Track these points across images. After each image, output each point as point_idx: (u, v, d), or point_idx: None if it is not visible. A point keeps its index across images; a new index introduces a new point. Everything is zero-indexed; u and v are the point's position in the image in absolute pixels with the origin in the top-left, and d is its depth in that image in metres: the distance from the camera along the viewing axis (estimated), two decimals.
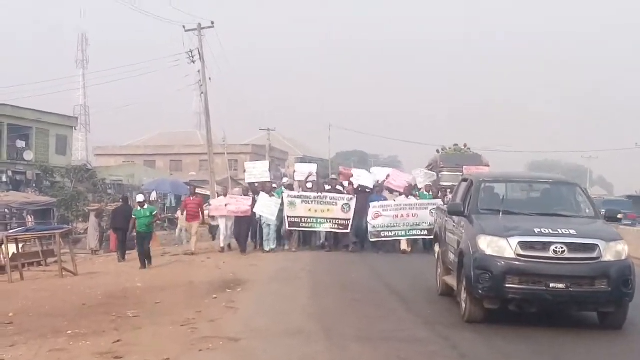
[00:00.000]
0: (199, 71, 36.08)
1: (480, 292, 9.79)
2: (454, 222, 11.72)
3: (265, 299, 12.93)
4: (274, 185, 22.49)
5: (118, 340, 9.59)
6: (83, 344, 9.61)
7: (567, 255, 9.59)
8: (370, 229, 20.36)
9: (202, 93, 36.42)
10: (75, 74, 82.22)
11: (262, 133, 68.05)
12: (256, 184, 22.04)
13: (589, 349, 9.11)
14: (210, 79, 36.12)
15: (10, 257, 18.56)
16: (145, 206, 20.18)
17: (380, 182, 21.83)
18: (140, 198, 20.62)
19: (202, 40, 35.79)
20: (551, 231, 9.79)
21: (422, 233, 20.17)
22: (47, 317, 11.79)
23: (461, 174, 23.08)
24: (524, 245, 9.69)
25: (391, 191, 22.25)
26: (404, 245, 20.58)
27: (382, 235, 20.34)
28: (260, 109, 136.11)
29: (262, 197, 20.79)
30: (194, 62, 35.77)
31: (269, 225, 20.77)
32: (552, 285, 9.51)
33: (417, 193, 21.69)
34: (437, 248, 13.44)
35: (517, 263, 9.65)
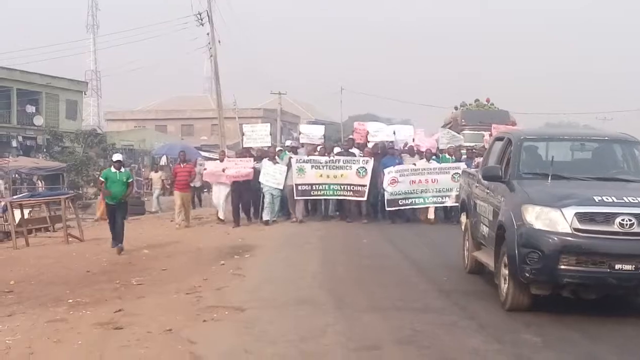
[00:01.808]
0: (208, 34, 35.54)
1: (527, 275, 8.12)
2: (487, 188, 9.99)
3: (273, 266, 12.53)
4: (279, 148, 21.09)
5: (120, 310, 9.23)
6: (83, 314, 9.27)
7: (636, 229, 7.86)
8: (387, 196, 18.28)
9: (211, 56, 35.91)
10: (86, 38, 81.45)
11: (273, 97, 67.34)
12: (255, 149, 20.25)
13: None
14: (219, 42, 35.65)
15: (17, 223, 18.25)
16: (122, 169, 15.77)
17: (406, 143, 20.04)
18: (117, 157, 16.10)
19: (211, 2, 35.18)
20: (615, 199, 8.06)
21: (443, 200, 18.34)
22: (49, 285, 11.48)
23: (487, 132, 21.34)
24: (582, 217, 7.97)
25: (412, 154, 19.57)
26: (430, 214, 18.62)
27: (400, 203, 18.37)
28: (272, 72, 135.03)
29: (266, 164, 18.68)
30: (202, 24, 35.22)
31: (271, 193, 18.60)
32: (617, 266, 7.82)
33: (439, 155, 19.62)
34: (464, 219, 11.78)
35: (573, 239, 7.94)
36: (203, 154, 43.09)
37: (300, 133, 22.11)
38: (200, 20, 34.98)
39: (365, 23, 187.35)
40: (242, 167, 18.84)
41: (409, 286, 10.36)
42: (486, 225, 9.91)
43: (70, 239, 17.14)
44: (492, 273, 9.46)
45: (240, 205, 19.13)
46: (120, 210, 15.39)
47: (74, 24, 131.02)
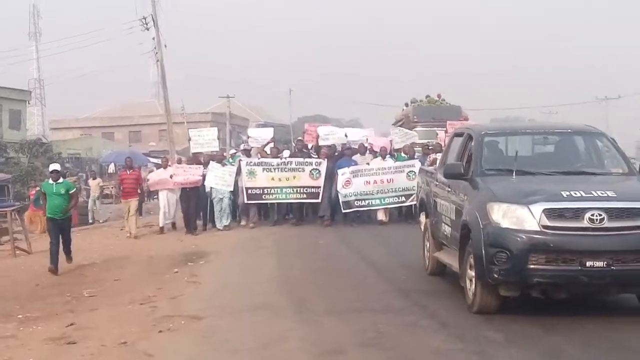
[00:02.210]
0: (153, 38, 35.05)
1: (495, 276, 7.74)
2: (448, 186, 9.58)
3: (229, 272, 12.34)
4: (231, 152, 20.42)
5: (72, 324, 8.99)
6: (34, 329, 9.03)
7: (606, 224, 7.56)
8: (341, 198, 17.75)
9: (157, 61, 35.42)
10: (28, 46, 79.88)
11: (221, 100, 66.81)
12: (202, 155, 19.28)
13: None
14: (165, 46, 35.12)
15: None
16: (61, 180, 14.18)
17: (359, 143, 19.36)
18: (53, 167, 14.57)
19: (156, 6, 34.70)
20: (583, 194, 7.78)
21: (400, 200, 17.86)
22: None
23: (440, 129, 21.35)
24: (550, 213, 7.64)
25: (363, 152, 18.94)
26: (380, 215, 18.25)
27: (355, 204, 17.90)
28: (219, 75, 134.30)
29: (213, 166, 18.00)
30: (147, 29, 34.73)
31: (221, 199, 18.01)
32: (588, 263, 7.50)
33: (395, 155, 19.17)
34: (423, 218, 11.35)
35: (542, 237, 7.60)
36: (152, 160, 42.55)
37: (248, 137, 21.29)
38: (145, 25, 34.48)
39: (310, 22, 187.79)
40: (190, 174, 18.28)
41: (367, 287, 10.24)
42: (448, 225, 9.55)
43: (17, 252, 16.64)
44: (455, 274, 9.25)
45: (188, 210, 18.49)
46: (63, 226, 13.95)
47: (15, 32, 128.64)
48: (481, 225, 7.97)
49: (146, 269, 13.21)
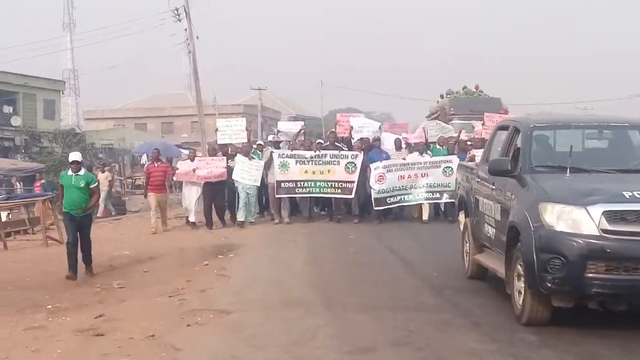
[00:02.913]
0: (185, 30, 35.05)
1: (548, 285, 7.03)
2: (492, 184, 8.86)
3: (259, 266, 12.21)
4: (259, 142, 19.79)
5: (101, 315, 8.93)
6: (63, 320, 8.98)
7: None
8: (373, 194, 16.94)
9: (189, 52, 35.39)
10: (63, 36, 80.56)
11: (253, 92, 66.90)
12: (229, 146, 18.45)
13: None
14: (197, 37, 35.07)
15: None
16: (82, 172, 12.40)
17: (395, 138, 18.68)
18: (73, 156, 12.63)
19: None
20: None
21: (434, 196, 17.12)
22: (28, 291, 11.09)
23: (478, 122, 20.38)
24: (611, 216, 6.92)
25: (399, 147, 18.42)
26: (417, 212, 17.53)
27: (388, 201, 17.13)
28: (252, 67, 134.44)
29: (240, 159, 17.21)
30: (180, 20, 34.72)
31: (247, 194, 17.18)
32: None
33: (431, 148, 18.22)
34: (462, 217, 10.69)
35: (602, 242, 6.88)
36: (184, 152, 42.63)
37: (278, 131, 20.59)
38: (177, 16, 34.47)
39: (344, 15, 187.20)
40: (214, 167, 17.56)
41: (400, 284, 10.06)
42: (492, 226, 8.89)
43: (49, 242, 16.71)
44: (495, 276, 8.83)
45: (213, 208, 17.82)
46: (82, 225, 12.22)
47: (50, 23, 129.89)
48: (532, 228, 7.27)
49: (176, 261, 13.13)
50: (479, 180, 9.71)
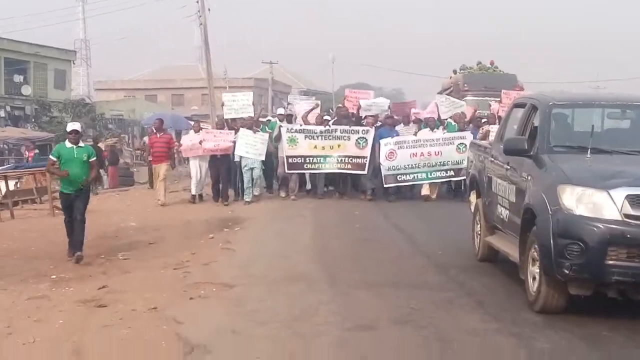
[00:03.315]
0: (197, 2, 34.90)
1: (566, 271, 6.69)
2: (507, 164, 8.52)
3: (264, 240, 12.17)
4: (268, 118, 19.34)
5: (104, 286, 8.93)
6: (66, 290, 8.97)
7: None
8: (383, 171, 16.56)
9: (201, 24, 35.29)
10: (75, 6, 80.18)
11: (264, 66, 66.72)
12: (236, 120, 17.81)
13: None
14: (209, 10, 34.99)
15: (3, 195, 17.84)
16: (82, 144, 11.52)
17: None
18: (72, 126, 11.44)
19: None
20: None
21: (448, 174, 16.71)
22: (32, 260, 11.07)
23: (494, 98, 19.73)
24: (634, 200, 6.57)
25: (407, 123, 18.32)
26: (425, 190, 16.95)
27: (399, 179, 16.76)
28: (263, 41, 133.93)
29: (244, 133, 16.70)
30: None
31: (252, 169, 16.70)
32: None
33: (445, 125, 17.67)
34: (473, 198, 10.32)
35: (624, 228, 6.52)
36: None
37: (289, 104, 20.07)
38: None
39: None
40: (221, 140, 17.06)
41: (404, 262, 10.00)
42: (505, 207, 8.54)
43: (56, 211, 16.69)
44: (506, 260, 8.61)
45: (218, 178, 17.37)
46: (79, 202, 11.09)
47: None
48: (550, 211, 6.92)
49: (182, 234, 13.11)
50: (492, 159, 9.35)
